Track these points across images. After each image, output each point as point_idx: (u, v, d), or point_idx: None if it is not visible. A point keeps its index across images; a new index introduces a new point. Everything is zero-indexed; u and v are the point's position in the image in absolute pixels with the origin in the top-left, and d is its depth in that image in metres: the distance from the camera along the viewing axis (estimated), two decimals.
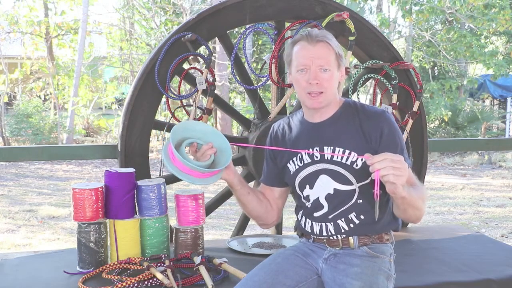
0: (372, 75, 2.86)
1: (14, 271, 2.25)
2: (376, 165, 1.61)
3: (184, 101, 3.05)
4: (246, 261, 2.31)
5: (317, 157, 1.92)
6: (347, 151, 1.87)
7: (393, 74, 2.80)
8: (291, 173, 1.98)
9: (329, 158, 1.89)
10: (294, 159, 1.97)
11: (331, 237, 1.93)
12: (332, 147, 1.90)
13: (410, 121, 2.83)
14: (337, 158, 1.88)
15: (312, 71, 1.85)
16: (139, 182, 2.29)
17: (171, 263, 2.14)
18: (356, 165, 1.86)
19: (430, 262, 2.35)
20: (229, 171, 1.96)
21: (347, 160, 1.87)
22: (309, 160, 1.93)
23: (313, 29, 1.90)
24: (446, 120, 13.08)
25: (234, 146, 3.04)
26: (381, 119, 1.88)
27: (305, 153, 1.94)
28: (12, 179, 9.51)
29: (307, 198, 1.96)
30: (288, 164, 1.99)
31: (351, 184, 1.89)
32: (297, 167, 1.96)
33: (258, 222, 2.10)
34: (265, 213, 2.07)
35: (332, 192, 1.90)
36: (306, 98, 1.89)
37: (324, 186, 1.91)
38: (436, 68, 15.42)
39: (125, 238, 2.24)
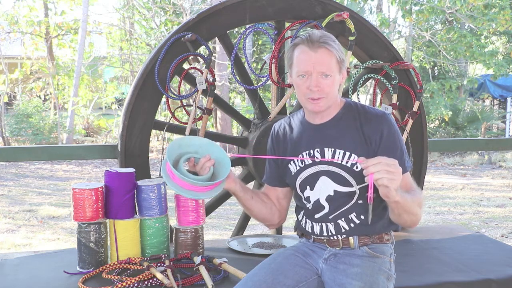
0: (372, 75, 2.86)
1: (14, 271, 2.25)
2: (370, 169, 1.62)
3: (184, 101, 3.05)
4: (246, 261, 2.31)
5: (317, 158, 1.92)
6: (342, 153, 1.87)
7: (393, 74, 2.80)
8: (292, 174, 1.98)
9: (328, 160, 1.89)
10: (295, 160, 1.97)
11: (331, 237, 1.93)
12: (332, 149, 1.89)
13: (410, 121, 2.82)
14: (336, 160, 1.88)
15: (313, 78, 1.83)
16: (139, 182, 2.29)
17: (171, 263, 2.14)
18: (356, 167, 1.86)
19: (430, 262, 2.35)
20: (230, 180, 1.95)
21: (347, 162, 1.87)
22: (310, 161, 1.93)
23: (314, 31, 1.88)
24: (446, 120, 13.09)
25: (234, 146, 3.04)
26: (382, 121, 1.88)
27: (305, 154, 1.94)
28: (12, 179, 9.51)
29: (307, 199, 1.96)
30: (289, 165, 1.99)
31: (351, 186, 1.89)
32: (298, 168, 1.96)
33: (265, 224, 2.10)
34: (270, 214, 2.06)
35: (332, 193, 1.90)
36: (307, 103, 1.89)
37: (324, 188, 1.91)
38: (436, 68, 15.41)
39: (125, 238, 2.24)
